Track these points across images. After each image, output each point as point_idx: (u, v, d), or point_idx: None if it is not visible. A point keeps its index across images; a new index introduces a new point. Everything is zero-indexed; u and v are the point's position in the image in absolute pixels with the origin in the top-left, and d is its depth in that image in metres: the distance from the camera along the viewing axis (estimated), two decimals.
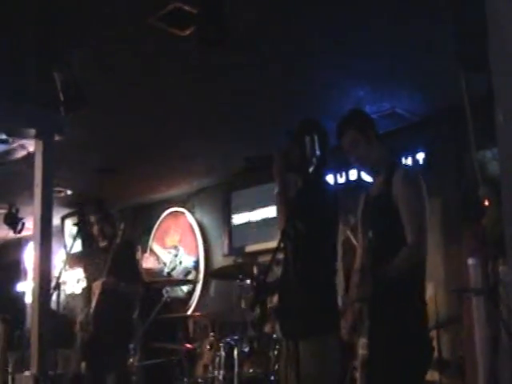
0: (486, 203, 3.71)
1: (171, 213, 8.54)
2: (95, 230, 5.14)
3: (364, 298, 2.80)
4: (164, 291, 5.57)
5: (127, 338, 4.86)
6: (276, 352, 4.21)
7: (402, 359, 2.71)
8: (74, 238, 5.62)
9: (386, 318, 2.76)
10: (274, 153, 3.32)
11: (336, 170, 6.42)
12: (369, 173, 3.18)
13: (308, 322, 3.08)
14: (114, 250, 4.94)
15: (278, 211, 3.30)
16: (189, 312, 7.78)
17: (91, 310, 4.90)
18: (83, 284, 9.29)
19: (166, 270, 8.16)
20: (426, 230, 2.81)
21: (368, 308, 2.78)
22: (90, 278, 5.24)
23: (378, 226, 2.91)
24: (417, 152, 5.90)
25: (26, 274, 9.81)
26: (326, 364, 3.15)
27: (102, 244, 5.15)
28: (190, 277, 7.98)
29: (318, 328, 3.16)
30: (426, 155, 5.86)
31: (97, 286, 4.89)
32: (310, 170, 3.10)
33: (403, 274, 2.75)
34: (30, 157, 4.97)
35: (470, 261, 4.36)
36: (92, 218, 5.17)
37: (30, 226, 4.43)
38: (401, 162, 3.15)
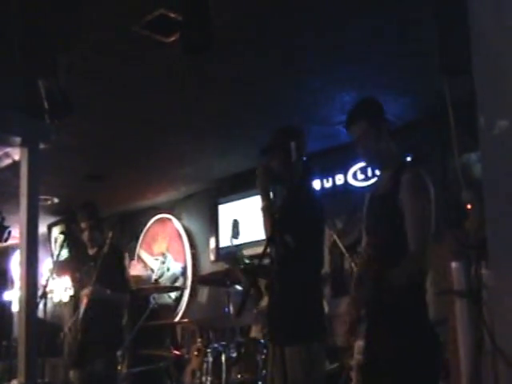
0: (469, 207, 3.73)
1: (158, 219, 8.53)
2: (85, 236, 5.08)
3: (363, 301, 2.75)
4: (151, 298, 5.56)
5: (115, 345, 4.84)
6: (263, 357, 4.22)
7: (401, 365, 2.60)
8: (61, 246, 5.60)
9: (384, 321, 2.68)
10: (256, 167, 3.35)
11: (322, 175, 6.45)
12: (376, 168, 3.07)
13: (294, 329, 3.09)
14: (102, 257, 4.91)
15: (264, 223, 3.30)
16: (177, 318, 7.77)
17: (79, 317, 4.87)
18: (70, 292, 9.28)
19: (154, 276, 8.14)
20: (430, 240, 2.70)
21: (366, 311, 2.71)
22: (78, 286, 5.20)
23: (382, 228, 2.80)
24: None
25: (12, 282, 9.75)
26: (311, 369, 3.16)
27: (91, 251, 5.11)
28: (178, 283, 7.97)
29: (303, 334, 3.17)
30: (411, 159, 5.89)
31: (85, 294, 4.87)
32: (295, 177, 3.10)
33: (406, 283, 2.64)
34: (15, 165, 4.94)
35: (454, 264, 4.40)
36: (83, 224, 5.08)
37: (16, 234, 4.39)
38: (410, 162, 2.97)
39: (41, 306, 4.80)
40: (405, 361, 2.60)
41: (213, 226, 7.80)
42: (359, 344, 2.67)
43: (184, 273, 8.02)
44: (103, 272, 4.83)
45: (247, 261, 4.69)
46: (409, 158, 5.83)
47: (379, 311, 2.67)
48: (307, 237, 3.22)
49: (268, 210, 3.24)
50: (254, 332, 5.38)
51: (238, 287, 4.94)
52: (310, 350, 3.15)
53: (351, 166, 6.34)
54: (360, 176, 6.29)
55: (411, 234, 2.68)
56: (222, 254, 7.54)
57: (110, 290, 4.83)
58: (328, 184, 6.48)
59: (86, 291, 4.86)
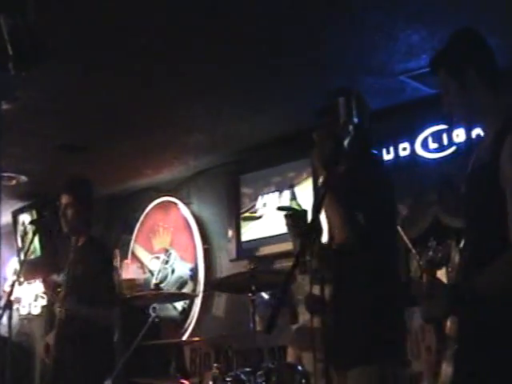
0: None
1: (160, 204, 8.57)
2: (62, 213, 5.03)
3: (433, 319, 2.73)
4: (151, 309, 5.59)
5: (103, 371, 4.88)
6: None
7: None
8: (31, 241, 5.63)
9: (476, 344, 2.61)
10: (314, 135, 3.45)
11: (382, 144, 6.39)
12: (466, 128, 3.03)
13: (361, 345, 3.20)
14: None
15: (329, 209, 3.37)
16: (184, 337, 7.83)
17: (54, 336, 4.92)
18: (43, 302, 9.39)
19: (154, 281, 8.19)
20: None
21: (457, 328, 2.65)
22: (54, 295, 5.23)
23: (481, 217, 2.71)
24: None
25: None
26: None
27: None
28: (186, 289, 8.01)
29: (375, 352, 3.23)
30: None
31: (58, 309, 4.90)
32: (346, 141, 3.13)
33: (503, 290, 2.54)
34: None
35: None
36: (63, 199, 5.04)
37: None
38: None
39: (4, 319, 4.86)
40: None
41: (233, 213, 7.82)
42: (447, 370, 2.64)
43: (194, 276, 8.06)
44: (77, 280, 4.85)
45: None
46: None
47: (470, 330, 2.62)
48: (380, 220, 3.30)
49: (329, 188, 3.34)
50: (291, 356, 5.39)
51: (265, 295, 4.95)
52: (384, 374, 3.18)
53: (420, 131, 6.29)
54: (432, 145, 6.23)
55: (511, 219, 2.54)
56: (245, 249, 7.57)
57: (91, 304, 4.82)
58: (389, 156, 6.44)
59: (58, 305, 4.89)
